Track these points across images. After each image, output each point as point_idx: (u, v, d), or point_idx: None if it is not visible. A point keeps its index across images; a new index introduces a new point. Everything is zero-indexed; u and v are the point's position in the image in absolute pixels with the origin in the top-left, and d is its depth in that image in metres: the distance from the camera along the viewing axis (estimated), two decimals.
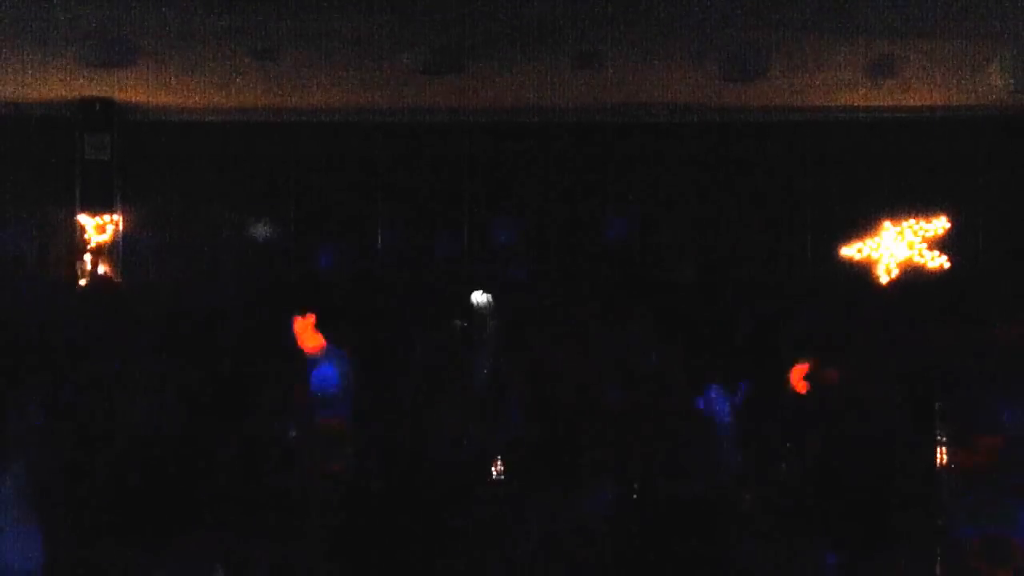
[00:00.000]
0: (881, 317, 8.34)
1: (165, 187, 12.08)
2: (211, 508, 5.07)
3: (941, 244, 12.09)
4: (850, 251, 12.14)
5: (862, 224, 12.15)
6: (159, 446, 5.17)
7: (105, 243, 12.02)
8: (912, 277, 11.84)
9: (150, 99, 11.72)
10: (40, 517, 5.18)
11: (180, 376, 5.54)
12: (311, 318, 6.23)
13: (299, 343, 6.40)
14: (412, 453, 5.45)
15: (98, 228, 12.04)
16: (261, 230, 12.41)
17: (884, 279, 12.01)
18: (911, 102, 11.80)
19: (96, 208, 12.07)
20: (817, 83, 11.23)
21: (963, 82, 11.10)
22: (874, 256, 12.13)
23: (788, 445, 6.30)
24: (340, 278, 11.78)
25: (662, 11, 9.32)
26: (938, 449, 5.97)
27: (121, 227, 12.16)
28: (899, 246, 12.14)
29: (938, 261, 12.03)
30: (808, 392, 6.52)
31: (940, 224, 12.12)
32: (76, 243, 12.04)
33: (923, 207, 12.07)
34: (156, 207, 12.13)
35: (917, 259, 12.07)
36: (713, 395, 6.01)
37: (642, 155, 12.35)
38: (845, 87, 11.30)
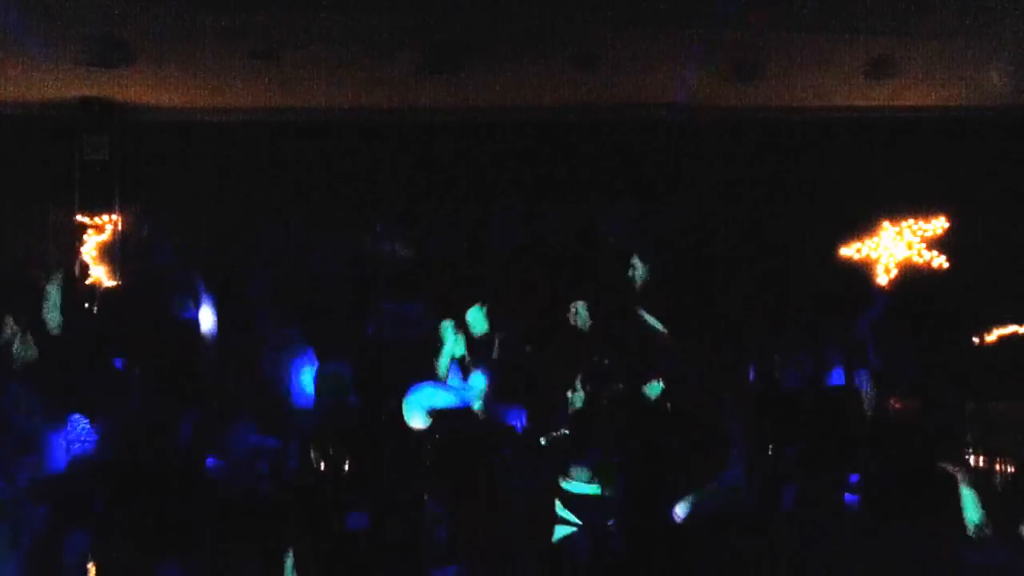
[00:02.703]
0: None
1: (165, 187, 12.05)
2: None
3: (941, 244, 12.09)
4: (849, 251, 12.14)
5: (861, 224, 12.15)
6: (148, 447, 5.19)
7: (104, 243, 12.00)
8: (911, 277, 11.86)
9: (149, 99, 11.70)
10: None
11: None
12: None
13: None
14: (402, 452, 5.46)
15: (97, 228, 12.02)
16: (260, 230, 12.38)
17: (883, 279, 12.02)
18: (911, 102, 11.81)
19: (95, 208, 12.04)
20: (817, 83, 11.24)
21: (963, 82, 11.12)
22: (873, 256, 12.13)
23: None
24: (338, 278, 11.75)
25: (662, 11, 9.33)
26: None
27: (120, 227, 12.13)
28: (898, 246, 12.13)
29: (937, 261, 12.03)
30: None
31: (939, 224, 12.11)
32: (75, 243, 12.02)
33: (922, 207, 12.07)
34: (155, 207, 12.10)
35: (916, 259, 12.07)
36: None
37: (642, 155, 12.35)
38: (844, 87, 11.31)
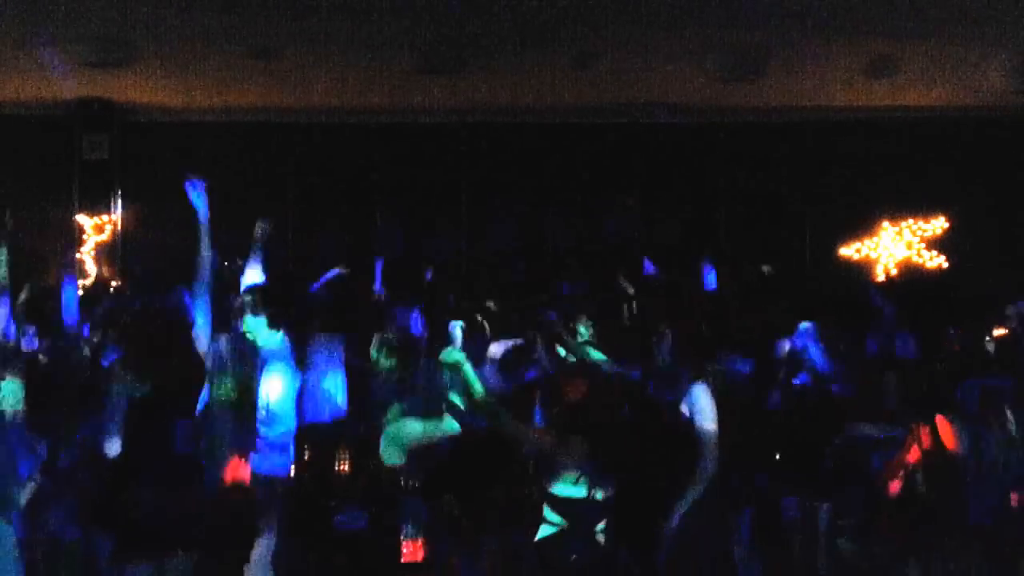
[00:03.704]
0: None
1: (164, 187, 12.04)
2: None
3: (940, 244, 12.11)
4: (849, 251, 12.15)
5: (861, 224, 12.16)
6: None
7: (104, 243, 12.00)
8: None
9: (149, 99, 11.71)
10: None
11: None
12: None
13: None
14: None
15: (96, 228, 12.01)
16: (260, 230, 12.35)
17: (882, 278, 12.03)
18: (911, 102, 11.81)
19: (94, 208, 12.04)
20: (817, 83, 11.24)
21: (963, 82, 11.12)
22: (873, 256, 12.14)
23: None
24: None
25: (662, 11, 9.33)
26: None
27: (119, 227, 12.13)
28: (898, 246, 12.15)
29: (936, 261, 12.04)
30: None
31: (939, 224, 12.13)
32: (74, 243, 12.02)
33: (922, 207, 12.08)
34: (155, 207, 12.09)
35: (916, 259, 12.09)
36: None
37: (642, 155, 12.35)
38: (845, 87, 11.31)
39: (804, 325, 6.98)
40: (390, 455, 5.01)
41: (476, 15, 9.43)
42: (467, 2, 9.22)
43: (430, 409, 5.19)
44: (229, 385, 5.80)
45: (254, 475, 5.97)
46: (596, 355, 6.24)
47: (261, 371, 6.22)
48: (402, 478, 4.99)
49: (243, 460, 5.78)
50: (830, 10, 9.31)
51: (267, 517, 6.13)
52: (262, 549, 6.08)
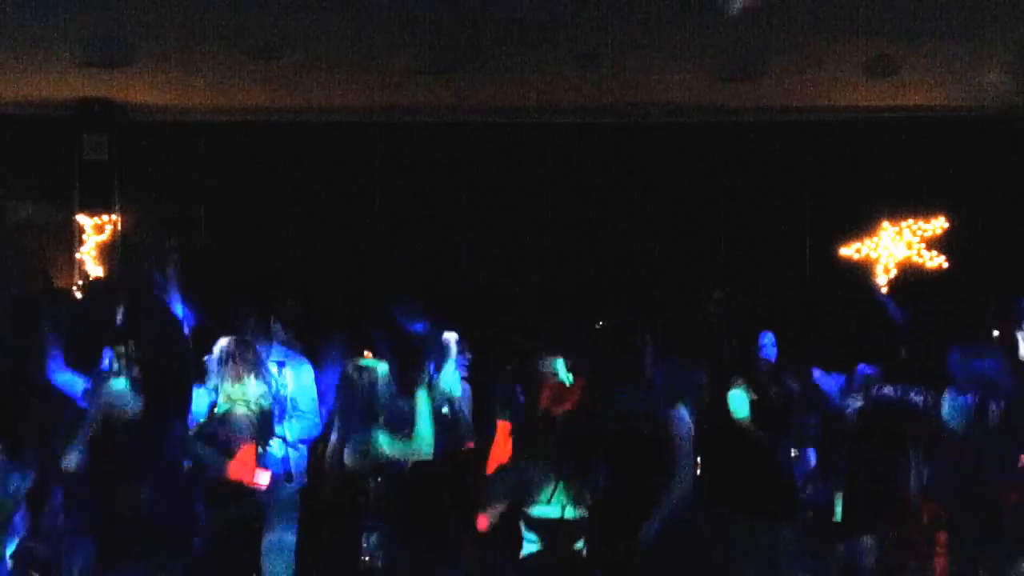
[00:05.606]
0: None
1: (164, 187, 12.06)
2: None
3: (940, 244, 12.10)
4: (849, 251, 12.14)
5: (861, 224, 12.15)
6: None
7: (103, 243, 12.00)
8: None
9: (149, 99, 11.70)
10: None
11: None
12: None
13: None
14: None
15: (96, 228, 12.01)
16: (259, 230, 12.37)
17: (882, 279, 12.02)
18: (911, 102, 11.81)
19: (95, 208, 12.03)
20: (817, 83, 11.24)
21: (963, 82, 11.12)
22: (873, 256, 12.14)
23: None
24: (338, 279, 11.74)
25: (662, 11, 9.33)
26: None
27: (120, 227, 12.13)
28: (898, 246, 12.15)
29: (936, 261, 12.03)
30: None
31: (939, 224, 12.12)
32: (74, 243, 12.02)
33: (922, 207, 12.08)
34: (155, 207, 12.10)
35: (916, 259, 12.08)
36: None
37: (642, 155, 12.35)
38: (845, 87, 11.31)
39: (766, 336, 7.03)
40: (354, 462, 5.04)
41: (476, 15, 9.43)
42: (467, 2, 9.22)
43: (403, 426, 5.21)
44: (238, 388, 5.78)
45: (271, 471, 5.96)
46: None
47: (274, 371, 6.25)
48: (370, 489, 5.01)
49: (254, 458, 5.76)
50: (830, 10, 9.31)
51: (282, 512, 6.16)
52: (278, 541, 6.10)
